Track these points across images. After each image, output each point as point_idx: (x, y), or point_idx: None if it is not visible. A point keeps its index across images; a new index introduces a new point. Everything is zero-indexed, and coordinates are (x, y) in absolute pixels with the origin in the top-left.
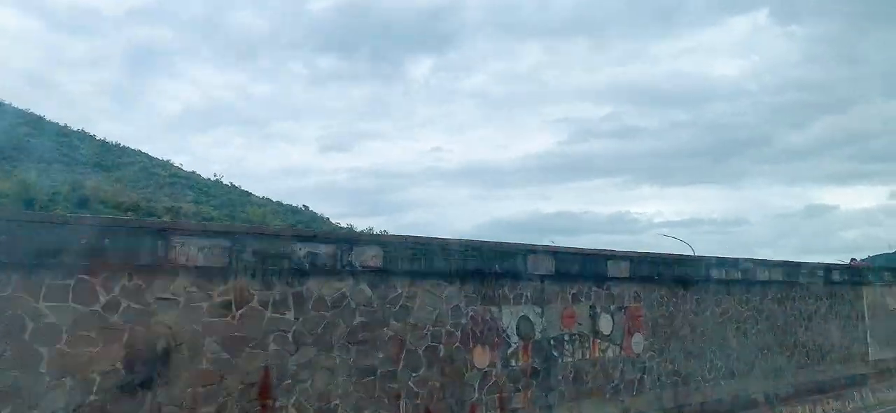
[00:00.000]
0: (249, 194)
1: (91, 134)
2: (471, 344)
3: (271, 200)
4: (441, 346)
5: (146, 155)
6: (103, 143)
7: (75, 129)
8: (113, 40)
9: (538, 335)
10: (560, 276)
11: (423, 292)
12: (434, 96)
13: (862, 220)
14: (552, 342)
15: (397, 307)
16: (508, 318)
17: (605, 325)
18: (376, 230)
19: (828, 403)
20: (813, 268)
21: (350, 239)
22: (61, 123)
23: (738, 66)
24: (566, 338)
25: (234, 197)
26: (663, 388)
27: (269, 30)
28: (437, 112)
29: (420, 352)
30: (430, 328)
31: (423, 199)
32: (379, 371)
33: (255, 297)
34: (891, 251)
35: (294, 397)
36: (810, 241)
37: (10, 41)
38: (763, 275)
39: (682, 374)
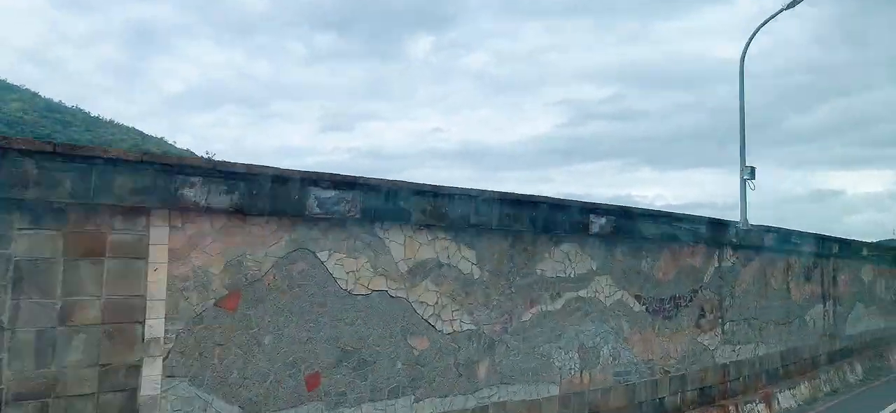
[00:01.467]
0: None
1: (86, 111)
2: None
3: None
4: None
5: (139, 132)
6: (96, 120)
7: (69, 106)
8: (113, 17)
9: None
10: None
11: None
12: (433, 76)
13: (868, 205)
14: None
15: None
16: None
17: None
18: None
19: None
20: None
21: None
22: (56, 100)
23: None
24: None
25: None
26: None
27: (266, 7)
28: (437, 92)
29: None
30: None
31: (423, 181)
32: None
33: None
34: None
35: None
36: (816, 226)
37: (15, 18)
38: None
39: None
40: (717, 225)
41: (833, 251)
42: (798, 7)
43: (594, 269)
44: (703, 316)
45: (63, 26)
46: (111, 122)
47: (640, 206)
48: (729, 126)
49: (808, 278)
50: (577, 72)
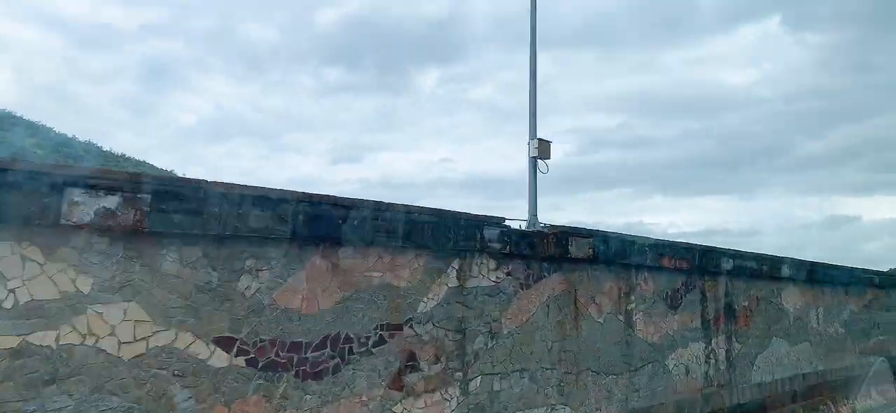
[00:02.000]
0: None
1: (98, 145)
2: None
3: None
4: None
5: (150, 165)
6: (108, 154)
7: (82, 140)
8: (127, 54)
9: None
10: None
11: None
12: (441, 107)
13: (885, 232)
14: None
15: None
16: None
17: None
18: None
19: None
20: None
21: None
22: (69, 134)
23: (750, 74)
24: None
25: None
26: None
27: (277, 42)
28: (445, 123)
29: None
30: None
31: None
32: None
33: None
34: None
35: None
36: (832, 253)
37: (35, 57)
38: None
39: None
40: (452, 222)
41: (723, 268)
42: (803, 35)
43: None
44: (413, 368)
45: (82, 63)
46: (122, 155)
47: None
48: (738, 152)
49: (673, 306)
50: (585, 101)
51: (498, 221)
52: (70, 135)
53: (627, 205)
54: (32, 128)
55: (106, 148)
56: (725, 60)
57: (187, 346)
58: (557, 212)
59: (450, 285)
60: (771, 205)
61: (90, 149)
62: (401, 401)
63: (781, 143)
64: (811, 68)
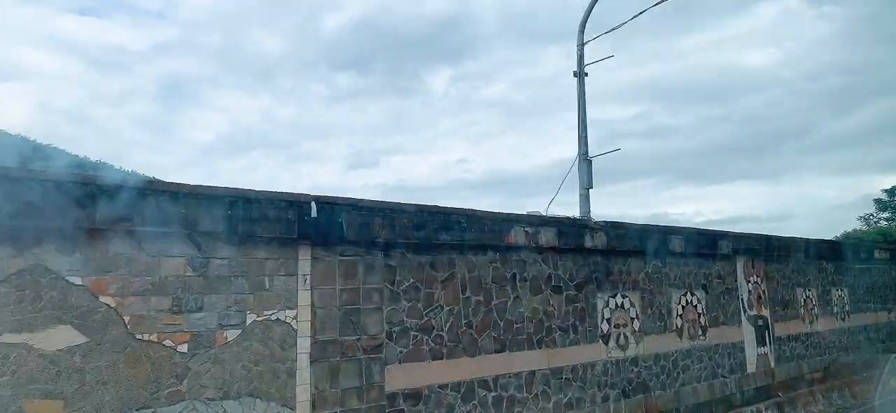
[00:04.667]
0: None
1: (110, 164)
2: None
3: None
4: None
5: (162, 182)
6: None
7: (93, 161)
8: (141, 75)
9: None
10: None
11: None
12: (454, 107)
13: None
14: None
15: None
16: None
17: None
18: None
19: None
20: None
21: None
22: (81, 156)
23: (771, 54)
24: None
25: None
26: None
27: (285, 52)
28: (459, 122)
29: None
30: None
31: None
32: None
33: None
34: None
35: None
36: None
37: (56, 82)
38: None
39: None
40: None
41: None
42: (825, 7)
43: None
44: None
45: (99, 86)
46: (133, 173)
47: None
48: (762, 136)
49: None
50: (601, 92)
51: None
52: (89, 158)
53: (650, 196)
54: (50, 152)
55: (126, 169)
56: (744, 41)
57: None
58: (578, 207)
59: None
60: (800, 188)
61: (101, 169)
62: None
63: (808, 123)
64: (835, 43)
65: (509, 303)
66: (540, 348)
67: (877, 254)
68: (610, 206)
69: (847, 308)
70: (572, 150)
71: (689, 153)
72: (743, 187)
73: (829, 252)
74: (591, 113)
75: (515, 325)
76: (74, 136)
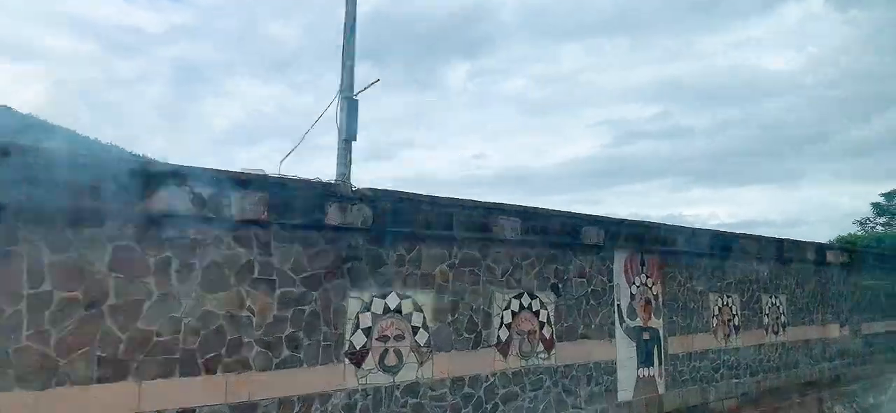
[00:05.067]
0: None
1: (121, 148)
2: None
3: None
4: None
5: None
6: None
7: (104, 142)
8: (157, 58)
9: None
10: None
11: None
12: (472, 102)
13: None
14: None
15: None
16: None
17: None
18: None
19: None
20: None
21: None
22: (92, 138)
23: (792, 58)
24: None
25: None
26: None
27: (300, 41)
28: (476, 117)
29: None
30: None
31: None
32: None
33: None
34: None
35: None
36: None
37: (67, 63)
38: None
39: None
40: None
41: None
42: (850, 12)
43: None
44: None
45: (114, 68)
46: (143, 157)
47: None
48: (781, 141)
49: None
50: (619, 91)
51: None
52: (103, 141)
53: (665, 197)
54: (50, 131)
55: (137, 154)
56: (766, 45)
57: None
58: (592, 205)
59: None
60: (816, 194)
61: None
62: None
63: (827, 130)
64: (860, 49)
65: (148, 304)
66: (213, 374)
67: (829, 257)
68: (622, 205)
69: (782, 319)
70: (590, 145)
71: (705, 155)
72: (758, 192)
73: (763, 250)
74: (610, 110)
75: (159, 340)
76: (88, 118)
